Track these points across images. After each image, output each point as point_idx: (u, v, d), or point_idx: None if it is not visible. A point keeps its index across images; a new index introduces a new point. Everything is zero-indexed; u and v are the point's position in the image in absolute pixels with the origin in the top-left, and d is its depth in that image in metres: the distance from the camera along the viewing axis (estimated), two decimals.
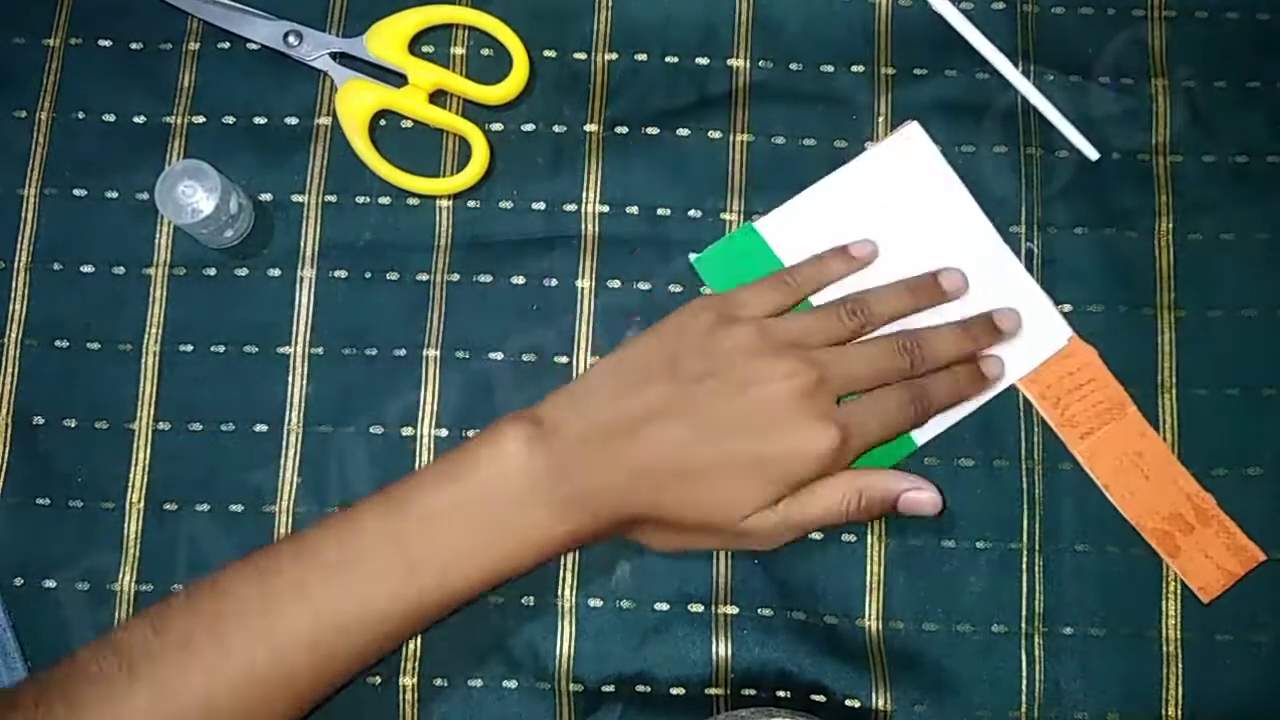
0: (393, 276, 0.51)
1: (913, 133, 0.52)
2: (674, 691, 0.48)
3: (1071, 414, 0.50)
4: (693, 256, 0.51)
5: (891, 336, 0.48)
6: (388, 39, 0.52)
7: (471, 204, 0.52)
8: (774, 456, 0.44)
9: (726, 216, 0.52)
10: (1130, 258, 0.52)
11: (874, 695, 0.48)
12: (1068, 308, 0.51)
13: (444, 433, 0.50)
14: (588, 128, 0.53)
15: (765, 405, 0.44)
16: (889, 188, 0.52)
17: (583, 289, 0.51)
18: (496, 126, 0.53)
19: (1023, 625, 0.49)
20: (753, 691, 0.48)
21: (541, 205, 0.52)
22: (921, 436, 0.50)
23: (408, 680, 0.48)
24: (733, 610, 0.49)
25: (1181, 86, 0.53)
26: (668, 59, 0.53)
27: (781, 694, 0.48)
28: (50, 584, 0.49)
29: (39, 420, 0.50)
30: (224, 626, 0.41)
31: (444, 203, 0.52)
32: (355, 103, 0.52)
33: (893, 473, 0.47)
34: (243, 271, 0.51)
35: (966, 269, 0.50)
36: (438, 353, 0.51)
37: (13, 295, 0.51)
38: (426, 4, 0.53)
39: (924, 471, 0.49)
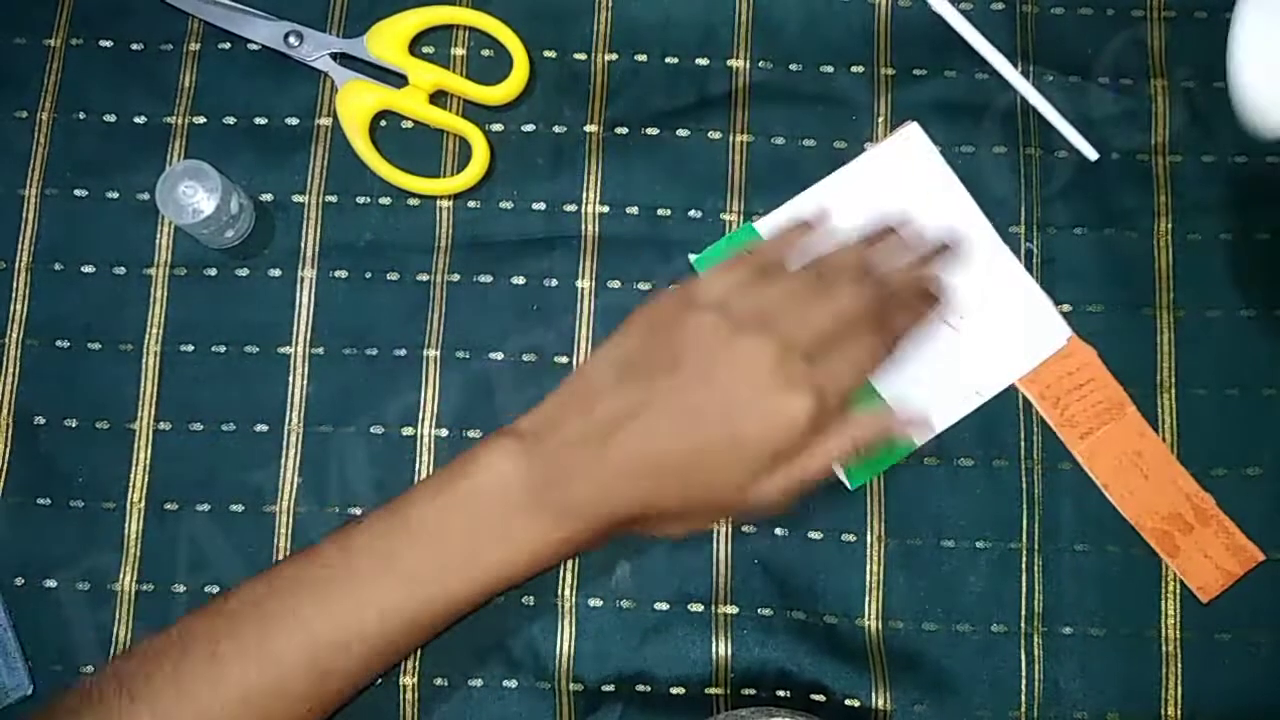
0: (393, 277, 0.51)
1: (912, 133, 0.52)
2: (674, 691, 0.48)
3: (1071, 414, 0.50)
4: (693, 256, 0.51)
5: (842, 274, 0.46)
6: (388, 40, 0.52)
7: (472, 204, 0.52)
8: (753, 436, 0.44)
9: (726, 216, 0.52)
10: (1130, 258, 0.52)
11: (874, 695, 0.48)
12: (1067, 308, 0.51)
13: (444, 433, 0.50)
14: (588, 128, 0.53)
15: (733, 388, 0.44)
16: (888, 188, 0.52)
17: (583, 289, 0.51)
18: (497, 127, 0.53)
19: (1022, 625, 0.49)
20: (753, 691, 0.48)
21: (542, 205, 0.52)
22: (921, 437, 0.50)
23: (408, 680, 0.48)
24: (733, 610, 0.49)
25: (1181, 87, 0.53)
26: (668, 59, 0.53)
27: (781, 694, 0.48)
28: (51, 584, 0.49)
29: (40, 420, 0.50)
30: (221, 649, 0.41)
31: (444, 203, 0.52)
32: (356, 103, 0.52)
33: (880, 412, 0.48)
34: (243, 272, 0.52)
35: (966, 269, 0.50)
36: (438, 353, 0.51)
37: (14, 295, 0.51)
38: (427, 5, 0.53)
39: (924, 471, 0.50)
